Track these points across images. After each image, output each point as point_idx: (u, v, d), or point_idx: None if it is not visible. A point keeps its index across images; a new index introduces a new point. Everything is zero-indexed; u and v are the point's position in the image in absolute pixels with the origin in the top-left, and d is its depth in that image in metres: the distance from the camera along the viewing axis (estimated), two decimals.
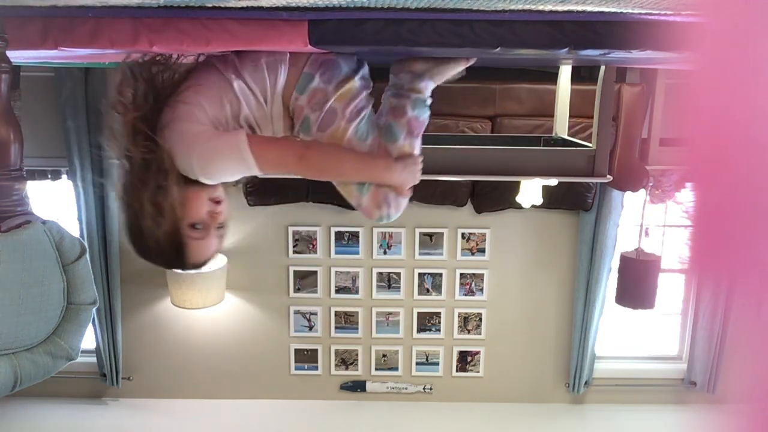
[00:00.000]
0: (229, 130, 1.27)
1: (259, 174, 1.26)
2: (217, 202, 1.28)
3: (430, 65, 1.46)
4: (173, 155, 1.21)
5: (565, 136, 2.60)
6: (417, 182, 1.37)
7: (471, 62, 1.53)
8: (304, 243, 3.70)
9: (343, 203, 3.49)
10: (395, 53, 1.44)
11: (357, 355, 3.86)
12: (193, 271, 3.34)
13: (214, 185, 1.28)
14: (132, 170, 1.23)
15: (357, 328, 3.83)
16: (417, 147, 1.40)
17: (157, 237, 1.23)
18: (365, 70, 1.41)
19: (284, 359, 3.87)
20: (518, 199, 3.08)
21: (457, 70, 1.51)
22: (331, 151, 1.30)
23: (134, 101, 1.22)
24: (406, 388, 3.89)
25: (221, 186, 1.30)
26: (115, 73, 1.25)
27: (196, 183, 1.24)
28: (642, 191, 3.22)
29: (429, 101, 1.45)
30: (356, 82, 1.35)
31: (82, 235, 3.49)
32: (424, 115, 1.43)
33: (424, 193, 3.48)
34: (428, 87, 1.46)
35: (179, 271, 1.35)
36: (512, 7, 1.17)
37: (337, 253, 3.72)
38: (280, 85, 1.32)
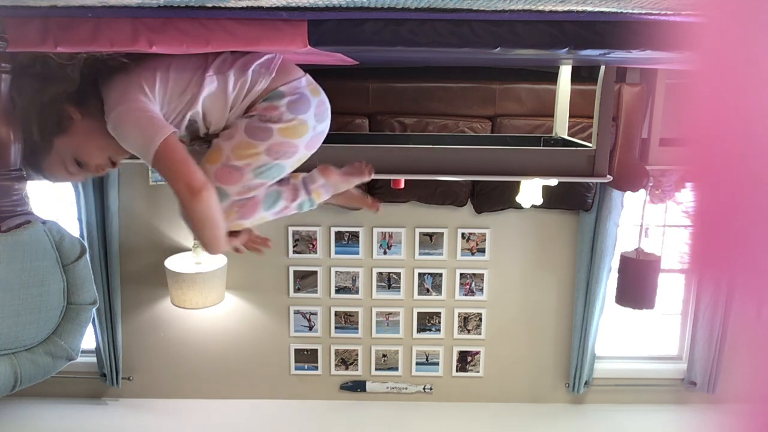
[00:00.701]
0: (172, 114, 1.28)
1: (149, 164, 1.24)
2: (113, 165, 1.32)
3: (337, 180, 1.54)
4: (105, 104, 1.23)
5: (565, 136, 2.60)
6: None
7: (367, 179, 1.58)
8: (304, 243, 3.71)
9: None
10: (394, 53, 1.44)
11: (357, 355, 3.86)
12: (192, 271, 3.34)
13: (123, 150, 1.28)
14: (50, 71, 1.23)
15: (357, 328, 3.83)
16: (268, 219, 1.45)
17: (38, 139, 1.25)
18: (323, 129, 1.43)
19: (284, 359, 3.87)
20: (518, 199, 3.08)
21: (351, 185, 1.58)
22: (216, 208, 1.25)
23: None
24: (406, 388, 3.89)
25: (126, 155, 1.31)
26: None
27: (108, 134, 1.24)
28: (642, 191, 3.22)
29: (314, 206, 1.52)
30: (309, 129, 1.36)
31: (82, 235, 3.49)
32: (299, 211, 1.50)
33: (424, 193, 3.48)
34: (324, 197, 1.53)
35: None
36: (512, 7, 1.17)
37: (337, 253, 3.72)
38: (254, 94, 1.33)
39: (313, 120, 1.37)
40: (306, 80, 1.39)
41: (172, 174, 1.21)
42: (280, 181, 1.45)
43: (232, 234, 1.42)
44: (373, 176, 1.61)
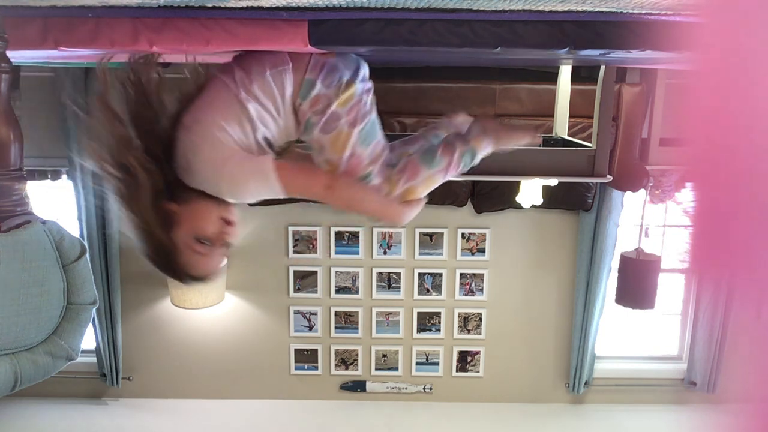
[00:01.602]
0: (254, 152, 1.28)
1: (284, 196, 1.27)
2: (228, 223, 1.29)
3: (500, 132, 1.50)
4: (193, 173, 1.22)
5: (565, 136, 2.60)
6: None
7: (537, 141, 1.55)
8: (304, 243, 3.70)
9: None
10: (396, 53, 1.44)
11: (357, 355, 3.86)
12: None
13: (228, 205, 1.28)
14: (132, 180, 1.22)
15: (357, 328, 3.82)
16: (439, 182, 1.44)
17: (160, 244, 1.24)
18: (365, 71, 1.41)
19: (284, 359, 3.87)
20: (518, 199, 3.08)
21: (519, 144, 1.55)
22: (356, 187, 1.33)
23: (131, 114, 1.22)
24: (406, 388, 3.88)
25: (234, 207, 1.30)
26: (97, 75, 1.24)
27: (210, 199, 1.25)
28: (642, 191, 3.22)
29: (477, 160, 1.48)
30: (357, 86, 1.35)
31: (82, 235, 3.49)
32: (465, 167, 1.46)
33: None
34: (487, 148, 1.49)
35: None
36: (512, 7, 1.17)
37: (337, 253, 3.72)
38: (288, 94, 1.32)
39: (349, 74, 1.35)
40: (314, 56, 1.38)
41: (302, 189, 1.29)
42: (432, 135, 1.50)
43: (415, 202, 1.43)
44: (500, 124, 1.58)
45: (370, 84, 1.41)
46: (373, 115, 1.39)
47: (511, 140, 1.54)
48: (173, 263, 1.27)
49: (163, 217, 1.24)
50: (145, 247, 1.26)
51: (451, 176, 1.45)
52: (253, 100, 1.27)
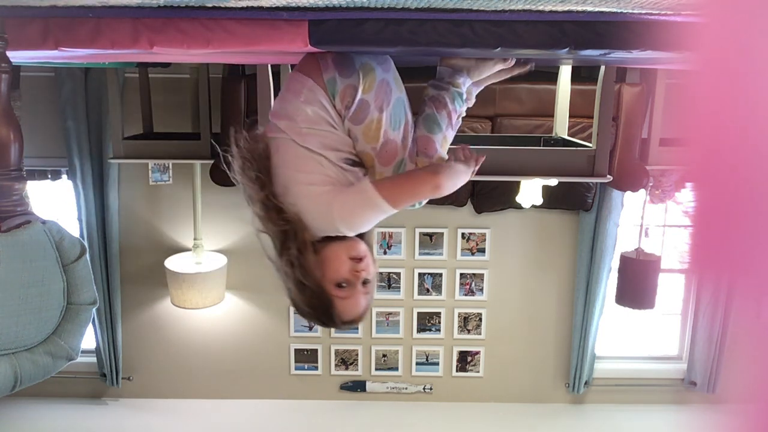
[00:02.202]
0: (348, 179, 1.31)
1: (396, 210, 1.29)
2: (359, 260, 1.30)
3: (470, 63, 1.51)
4: (304, 220, 1.26)
5: (565, 136, 2.60)
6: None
7: (510, 64, 1.57)
8: None
9: None
10: (398, 53, 1.44)
11: (357, 355, 3.86)
12: (192, 271, 3.34)
13: (353, 243, 1.30)
14: (274, 242, 1.31)
15: (357, 328, 3.82)
16: (451, 137, 1.48)
17: (307, 299, 1.30)
18: (378, 56, 1.42)
19: (284, 359, 3.86)
20: (518, 199, 3.08)
21: (494, 69, 1.56)
22: (453, 177, 1.33)
23: (258, 180, 1.30)
24: (406, 388, 3.88)
25: (361, 243, 1.32)
26: (233, 157, 1.33)
27: (334, 242, 1.28)
28: (642, 191, 3.22)
29: (465, 96, 1.51)
30: (376, 68, 1.36)
31: (82, 235, 3.49)
32: (461, 108, 1.49)
33: None
34: (465, 83, 1.51)
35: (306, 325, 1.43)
36: (512, 7, 1.17)
37: None
38: (325, 101, 1.32)
39: (363, 58, 1.37)
40: (319, 56, 1.38)
41: (409, 198, 1.31)
42: (423, 105, 1.50)
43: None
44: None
45: (389, 64, 1.43)
46: (399, 95, 1.40)
47: (485, 69, 1.56)
48: (327, 313, 1.31)
49: (305, 271, 1.28)
50: (299, 301, 1.32)
51: (458, 122, 1.50)
52: (310, 137, 1.29)
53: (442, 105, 1.46)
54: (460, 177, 1.34)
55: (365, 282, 1.31)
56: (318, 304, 1.30)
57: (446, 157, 1.44)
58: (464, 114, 1.52)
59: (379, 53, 1.41)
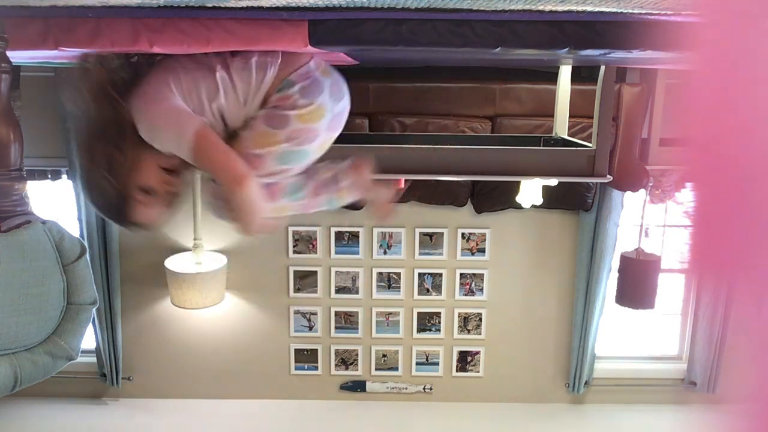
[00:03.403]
0: (196, 112, 1.28)
1: (190, 161, 1.25)
2: (170, 172, 1.29)
3: (365, 186, 1.56)
4: (135, 116, 1.23)
5: (565, 136, 2.60)
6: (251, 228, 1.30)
7: (392, 193, 1.62)
8: (304, 243, 3.70)
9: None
10: (396, 54, 1.44)
11: (357, 355, 3.86)
12: (192, 271, 3.34)
13: (170, 156, 1.27)
14: (91, 124, 1.25)
15: (357, 328, 3.82)
16: (288, 209, 1.46)
17: (106, 191, 1.26)
18: (342, 108, 1.42)
19: (284, 359, 3.86)
20: (518, 199, 3.08)
21: (378, 197, 1.61)
22: (258, 198, 1.27)
23: (110, 65, 1.26)
24: (406, 388, 3.88)
25: (178, 159, 1.28)
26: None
27: (152, 149, 1.25)
28: (642, 191, 3.22)
29: (336, 207, 1.53)
30: (326, 116, 1.35)
31: (82, 235, 3.49)
32: (321, 208, 1.50)
33: (424, 193, 3.48)
34: (348, 200, 1.54)
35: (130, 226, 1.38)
36: (512, 7, 1.17)
37: (337, 253, 3.72)
38: (265, 85, 1.32)
39: (329, 102, 1.36)
40: (315, 63, 1.38)
41: (212, 164, 1.23)
42: (311, 173, 1.46)
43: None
44: (373, 176, 1.62)
45: (338, 127, 1.42)
46: (310, 149, 1.36)
47: (372, 194, 1.59)
48: (121, 210, 1.29)
49: (107, 163, 1.25)
50: (93, 189, 1.27)
51: (307, 212, 1.49)
52: (225, 73, 1.29)
53: (315, 194, 1.47)
54: (254, 205, 1.24)
55: (170, 196, 1.32)
56: (116, 200, 1.28)
57: (269, 212, 1.39)
58: (315, 210, 1.51)
59: (379, 53, 1.41)
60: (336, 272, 3.75)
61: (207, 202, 1.36)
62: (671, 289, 3.88)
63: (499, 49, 1.29)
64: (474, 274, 3.75)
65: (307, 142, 1.34)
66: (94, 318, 3.45)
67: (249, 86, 1.31)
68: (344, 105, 1.43)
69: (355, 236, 3.69)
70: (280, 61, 1.33)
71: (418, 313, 3.80)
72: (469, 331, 3.84)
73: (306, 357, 3.86)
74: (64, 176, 3.56)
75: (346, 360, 3.87)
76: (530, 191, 2.97)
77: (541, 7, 1.16)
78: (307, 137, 1.33)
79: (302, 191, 1.44)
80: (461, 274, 3.75)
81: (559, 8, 1.17)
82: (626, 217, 3.61)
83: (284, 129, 1.30)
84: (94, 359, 3.80)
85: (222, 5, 1.13)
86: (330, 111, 1.37)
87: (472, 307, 3.80)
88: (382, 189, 1.62)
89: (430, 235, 3.69)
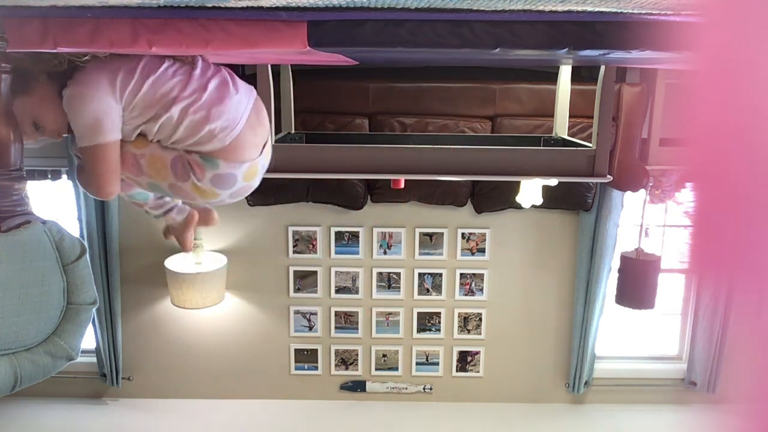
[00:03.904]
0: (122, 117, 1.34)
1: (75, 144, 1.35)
2: (36, 128, 1.39)
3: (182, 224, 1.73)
4: (76, 73, 1.31)
5: (565, 136, 2.60)
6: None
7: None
8: (304, 243, 3.70)
9: (343, 203, 3.50)
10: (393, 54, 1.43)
11: (357, 355, 3.86)
12: (192, 271, 3.34)
13: (44, 113, 1.37)
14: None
15: (357, 328, 3.82)
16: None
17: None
18: (225, 202, 1.51)
19: (284, 359, 3.87)
20: (518, 199, 3.09)
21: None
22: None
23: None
24: (406, 388, 3.89)
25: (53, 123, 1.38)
26: None
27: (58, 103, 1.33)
28: (642, 191, 3.22)
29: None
30: (214, 199, 1.47)
31: (82, 235, 3.49)
32: (131, 196, 1.61)
33: (424, 193, 3.48)
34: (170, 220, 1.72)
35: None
36: (512, 7, 1.17)
37: (337, 253, 3.72)
38: (199, 147, 1.39)
39: (227, 195, 1.45)
40: (249, 165, 1.43)
41: (94, 172, 1.33)
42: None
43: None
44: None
45: (216, 202, 1.50)
46: (175, 198, 1.60)
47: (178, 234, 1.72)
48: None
49: (24, 77, 1.34)
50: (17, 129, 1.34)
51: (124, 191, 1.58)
52: (175, 117, 1.34)
53: (154, 206, 1.65)
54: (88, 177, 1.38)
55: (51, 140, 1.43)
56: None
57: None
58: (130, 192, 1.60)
59: (379, 54, 1.40)
60: (336, 272, 3.75)
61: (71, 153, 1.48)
62: (671, 289, 3.88)
63: (498, 49, 1.29)
64: (474, 274, 3.75)
65: (178, 196, 1.48)
66: (94, 318, 3.45)
67: (187, 139, 1.36)
68: (238, 198, 1.51)
69: (355, 236, 3.70)
70: (227, 145, 1.38)
71: (418, 313, 3.80)
72: (469, 331, 3.84)
73: (306, 357, 3.86)
74: (64, 176, 3.56)
75: (346, 360, 3.87)
76: (530, 191, 2.97)
77: (541, 8, 1.16)
78: (185, 197, 1.47)
79: (149, 198, 1.60)
80: (461, 274, 3.75)
81: (559, 8, 1.17)
82: (626, 217, 3.61)
83: (176, 180, 1.40)
84: (94, 359, 3.80)
85: (222, 5, 1.13)
86: (220, 200, 1.46)
87: (472, 307, 3.80)
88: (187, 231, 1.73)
89: (430, 235, 3.69)
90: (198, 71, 1.37)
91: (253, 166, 1.44)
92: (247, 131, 1.39)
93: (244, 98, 1.42)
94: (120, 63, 1.32)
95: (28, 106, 1.35)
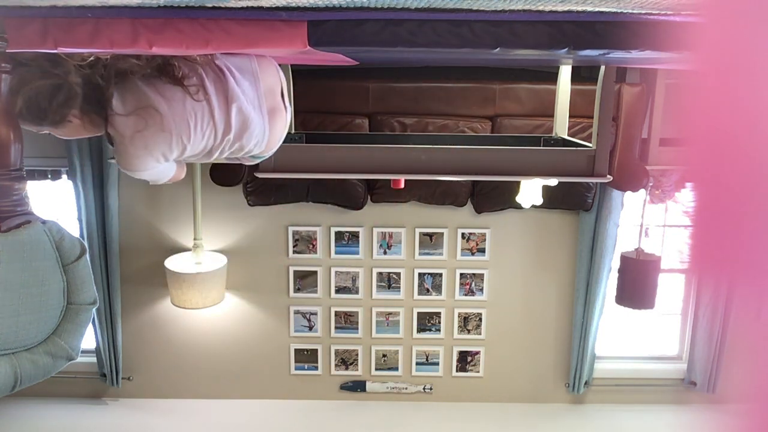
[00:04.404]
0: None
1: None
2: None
3: None
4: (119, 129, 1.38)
5: (565, 136, 2.60)
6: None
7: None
8: (304, 243, 3.70)
9: (343, 203, 3.50)
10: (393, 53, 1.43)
11: (357, 355, 3.86)
12: (192, 271, 3.34)
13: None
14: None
15: (357, 328, 3.82)
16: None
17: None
18: None
19: (284, 359, 3.86)
20: (518, 199, 3.08)
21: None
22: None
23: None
24: (406, 388, 3.88)
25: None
26: None
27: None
28: (642, 191, 3.22)
29: None
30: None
31: (82, 235, 3.49)
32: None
33: (424, 193, 3.48)
34: None
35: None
36: (512, 7, 1.17)
37: (337, 253, 3.72)
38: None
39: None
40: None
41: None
42: None
43: None
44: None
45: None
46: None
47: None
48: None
49: (60, 117, 1.37)
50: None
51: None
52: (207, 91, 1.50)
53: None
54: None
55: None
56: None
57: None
58: None
59: (379, 54, 1.40)
60: (336, 272, 3.75)
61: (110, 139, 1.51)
62: (671, 289, 3.88)
63: (498, 49, 1.29)
64: (474, 274, 3.75)
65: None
66: (94, 318, 3.45)
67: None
68: None
69: (355, 236, 3.69)
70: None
71: (418, 313, 3.80)
72: (469, 331, 3.83)
73: (306, 357, 3.86)
74: (64, 176, 3.56)
75: (346, 360, 3.87)
76: (530, 191, 2.97)
77: (541, 8, 1.16)
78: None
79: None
80: (461, 274, 3.75)
81: (559, 8, 1.17)
82: (626, 217, 3.61)
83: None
84: (94, 359, 3.80)
85: (222, 5, 1.13)
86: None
87: (472, 307, 3.80)
88: None
89: (430, 235, 3.69)
90: (215, 103, 1.46)
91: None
92: (273, 126, 1.61)
93: (257, 104, 1.56)
94: (156, 135, 1.41)
95: (52, 131, 1.42)
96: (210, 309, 3.51)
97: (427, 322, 3.82)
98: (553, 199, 3.33)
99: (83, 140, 3.40)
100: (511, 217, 3.64)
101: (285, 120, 1.65)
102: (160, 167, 1.47)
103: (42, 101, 1.30)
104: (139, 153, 1.40)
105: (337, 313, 3.80)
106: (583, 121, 3.09)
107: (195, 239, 3.47)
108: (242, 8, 1.17)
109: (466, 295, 3.78)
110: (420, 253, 3.72)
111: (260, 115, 1.54)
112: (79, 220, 3.53)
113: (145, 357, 3.83)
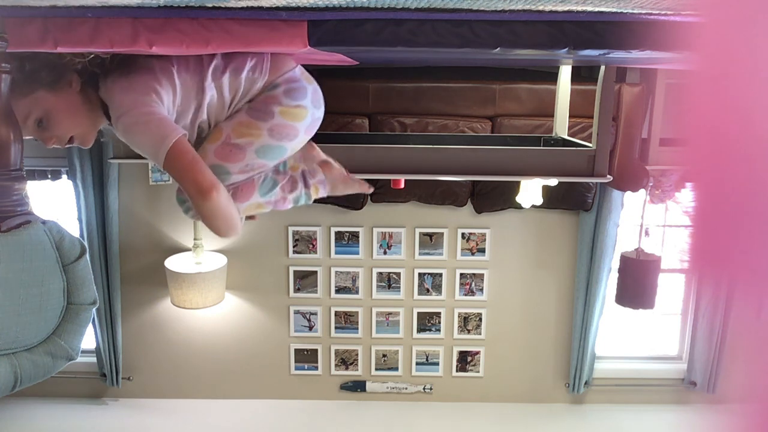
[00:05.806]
0: (178, 114, 1.33)
1: (159, 166, 1.26)
2: (69, 141, 1.36)
3: (337, 182, 1.61)
4: (112, 105, 1.28)
5: (565, 136, 2.60)
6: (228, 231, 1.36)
7: (367, 192, 1.67)
8: (304, 243, 3.70)
9: (343, 203, 3.50)
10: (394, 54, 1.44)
11: (357, 355, 3.86)
12: (192, 271, 3.34)
13: (89, 139, 1.37)
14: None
15: (357, 328, 3.82)
16: (260, 209, 1.49)
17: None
18: (320, 115, 1.47)
19: (284, 359, 3.87)
20: (518, 199, 3.08)
21: (351, 191, 1.65)
22: (226, 207, 1.29)
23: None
24: (406, 388, 3.88)
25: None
26: None
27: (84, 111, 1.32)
28: (642, 191, 3.22)
29: (305, 201, 1.56)
30: (308, 114, 1.40)
31: (82, 235, 3.49)
32: (292, 205, 1.53)
33: (424, 193, 3.48)
34: (320, 195, 1.58)
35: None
36: (512, 7, 1.17)
37: (337, 253, 3.72)
38: (252, 93, 1.38)
39: (311, 105, 1.42)
40: (300, 70, 1.44)
41: (182, 175, 1.24)
42: (280, 172, 1.49)
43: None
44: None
45: (313, 131, 1.47)
46: (288, 147, 1.41)
47: (345, 191, 1.63)
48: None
49: (58, 76, 1.29)
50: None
51: (279, 209, 1.51)
52: (215, 90, 1.34)
53: (288, 190, 1.50)
54: (228, 220, 1.30)
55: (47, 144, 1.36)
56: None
57: (241, 215, 1.44)
58: (289, 207, 1.54)
59: (379, 54, 1.41)
60: (336, 272, 3.75)
61: (177, 201, 1.40)
62: (671, 289, 3.88)
63: (498, 49, 1.29)
64: (474, 274, 3.75)
65: (286, 139, 1.38)
66: (94, 318, 3.45)
67: (236, 97, 1.37)
68: (321, 112, 1.49)
69: (355, 236, 3.70)
70: (268, 71, 1.39)
71: (418, 313, 3.80)
72: (469, 331, 3.84)
73: (306, 357, 3.86)
74: (64, 176, 3.57)
75: (346, 360, 3.87)
76: (530, 191, 2.97)
77: (541, 7, 1.16)
78: (287, 133, 1.38)
79: (276, 189, 1.47)
80: (461, 274, 3.75)
81: (559, 8, 1.17)
82: (626, 217, 3.62)
83: (267, 122, 1.35)
84: (94, 359, 3.80)
85: (222, 5, 1.13)
86: (311, 114, 1.42)
87: (472, 307, 3.80)
88: (352, 184, 1.65)
89: (430, 235, 3.69)
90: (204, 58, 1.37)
91: (302, 69, 1.47)
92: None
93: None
94: (146, 74, 1.30)
95: (46, 104, 1.29)
96: (210, 309, 3.52)
97: (427, 322, 3.82)
98: (553, 199, 3.33)
99: None
100: (511, 217, 3.64)
101: None
102: (161, 116, 1.27)
103: (41, 57, 1.26)
104: (134, 100, 1.26)
105: (337, 313, 3.80)
106: (583, 121, 3.09)
107: (195, 239, 3.47)
108: (242, 8, 1.17)
109: (466, 295, 3.78)
110: (420, 253, 3.72)
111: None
112: (79, 220, 3.53)
113: (145, 357, 3.83)
